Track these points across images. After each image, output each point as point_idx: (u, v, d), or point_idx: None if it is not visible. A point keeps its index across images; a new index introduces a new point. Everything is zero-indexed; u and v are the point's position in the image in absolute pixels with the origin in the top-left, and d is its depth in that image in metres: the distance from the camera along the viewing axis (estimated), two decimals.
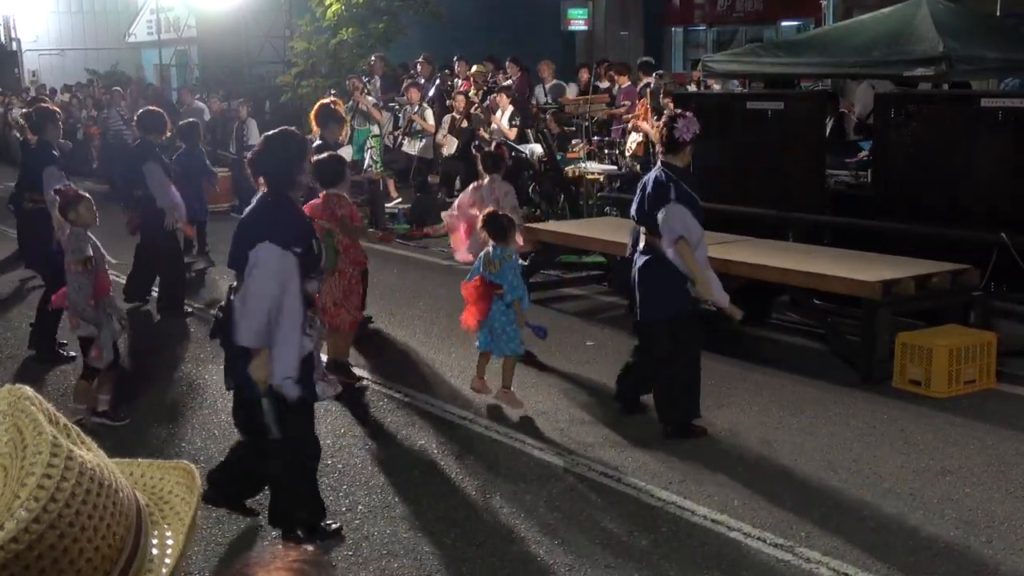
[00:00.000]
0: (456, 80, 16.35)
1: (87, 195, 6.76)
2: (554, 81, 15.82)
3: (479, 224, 7.10)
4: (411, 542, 5.06)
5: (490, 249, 6.88)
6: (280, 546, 1.18)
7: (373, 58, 18.17)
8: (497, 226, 6.86)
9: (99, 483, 1.10)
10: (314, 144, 8.41)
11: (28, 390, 1.14)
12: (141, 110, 10.27)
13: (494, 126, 14.06)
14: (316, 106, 8.58)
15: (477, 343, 6.99)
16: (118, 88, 22.80)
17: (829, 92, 13.08)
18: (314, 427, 5.16)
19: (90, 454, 1.13)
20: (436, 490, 5.69)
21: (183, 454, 6.24)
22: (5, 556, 1.01)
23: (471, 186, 8.54)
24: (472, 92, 15.24)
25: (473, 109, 14.69)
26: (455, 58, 16.81)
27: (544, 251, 10.08)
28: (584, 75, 15.74)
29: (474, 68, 15.95)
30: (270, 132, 5.12)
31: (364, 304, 8.76)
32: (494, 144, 8.80)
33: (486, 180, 8.36)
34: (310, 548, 1.14)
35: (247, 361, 4.79)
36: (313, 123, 8.48)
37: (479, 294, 6.76)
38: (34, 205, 8.64)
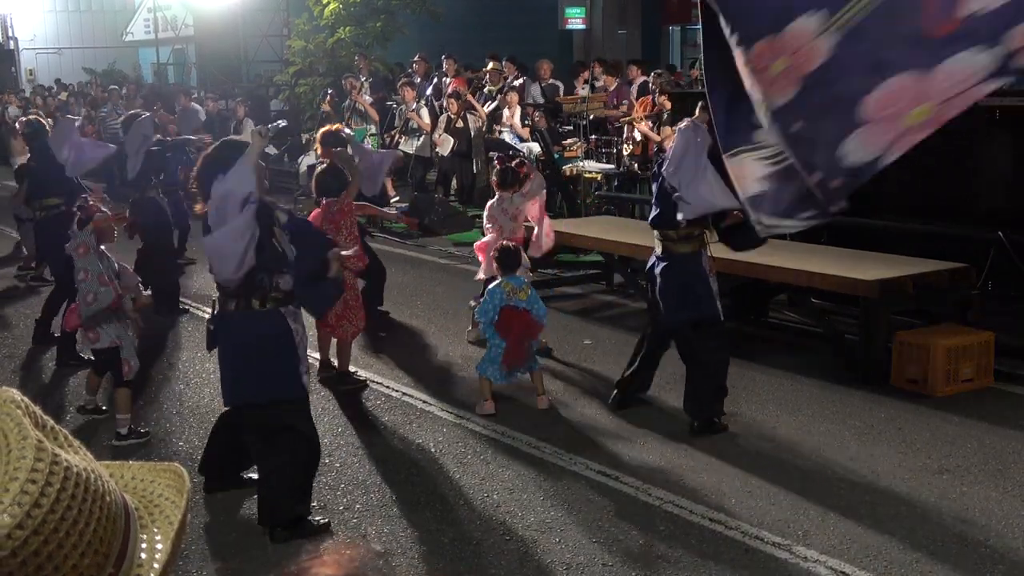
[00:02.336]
0: (446, 79, 16.34)
1: (106, 211, 6.69)
2: (550, 80, 15.80)
3: (494, 256, 7.14)
4: (408, 541, 5.06)
5: (504, 279, 6.86)
6: (341, 546, 1.14)
7: (356, 57, 18.12)
8: (510, 258, 6.96)
9: (85, 488, 1.08)
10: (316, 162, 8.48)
11: (15, 393, 1.13)
12: (126, 114, 10.43)
13: (506, 122, 14.05)
14: (323, 132, 8.53)
15: (491, 375, 6.80)
16: (115, 87, 22.77)
17: None
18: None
19: (77, 457, 1.11)
20: (433, 489, 5.68)
21: (180, 452, 6.23)
22: None
23: (488, 204, 8.28)
24: (487, 89, 15.25)
25: (485, 106, 14.70)
26: (443, 56, 16.79)
27: None
28: (584, 74, 15.71)
29: (490, 65, 15.86)
30: (207, 151, 5.27)
31: (381, 300, 8.95)
32: (515, 161, 8.52)
33: (496, 198, 8.15)
34: (376, 548, 1.12)
35: (258, 367, 4.98)
36: (319, 146, 8.48)
37: (527, 325, 6.72)
38: (45, 213, 8.57)
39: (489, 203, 8.26)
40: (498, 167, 8.26)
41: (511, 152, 13.34)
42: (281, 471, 5.07)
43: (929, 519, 5.21)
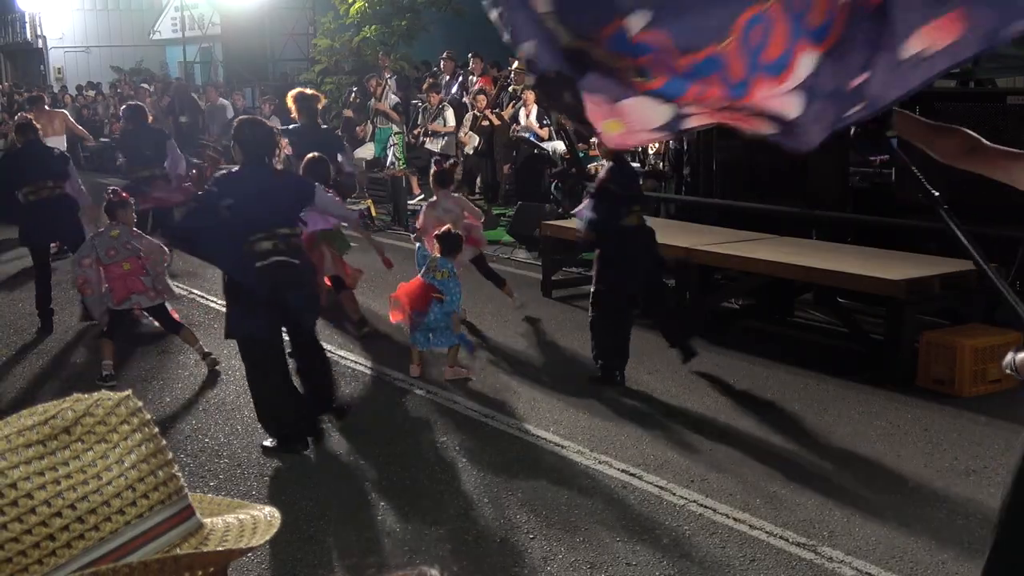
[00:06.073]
0: (472, 77, 16.34)
1: (130, 199, 7.82)
2: None
3: (433, 239, 7.68)
4: (431, 539, 5.07)
5: (437, 257, 7.48)
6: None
7: (380, 55, 18.21)
8: (452, 242, 7.53)
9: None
10: (293, 127, 9.01)
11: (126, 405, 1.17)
12: (126, 104, 10.90)
13: (523, 123, 14.05)
14: (295, 93, 9.17)
15: (414, 342, 7.54)
16: (145, 85, 22.95)
17: None
18: None
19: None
20: (456, 487, 5.70)
21: (207, 449, 6.27)
22: None
23: (427, 205, 8.82)
24: (512, 88, 15.26)
25: (510, 105, 14.69)
26: (470, 55, 16.79)
27: (566, 248, 10.06)
28: None
29: (515, 64, 15.86)
30: (245, 119, 6.55)
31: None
32: (450, 162, 9.48)
33: (435, 197, 8.73)
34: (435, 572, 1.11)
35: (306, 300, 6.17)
36: (293, 108, 9.05)
37: (419, 295, 7.36)
38: (50, 193, 9.06)
39: (428, 203, 8.78)
40: (435, 170, 8.86)
41: (536, 151, 13.36)
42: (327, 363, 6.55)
43: (956, 520, 5.18)
